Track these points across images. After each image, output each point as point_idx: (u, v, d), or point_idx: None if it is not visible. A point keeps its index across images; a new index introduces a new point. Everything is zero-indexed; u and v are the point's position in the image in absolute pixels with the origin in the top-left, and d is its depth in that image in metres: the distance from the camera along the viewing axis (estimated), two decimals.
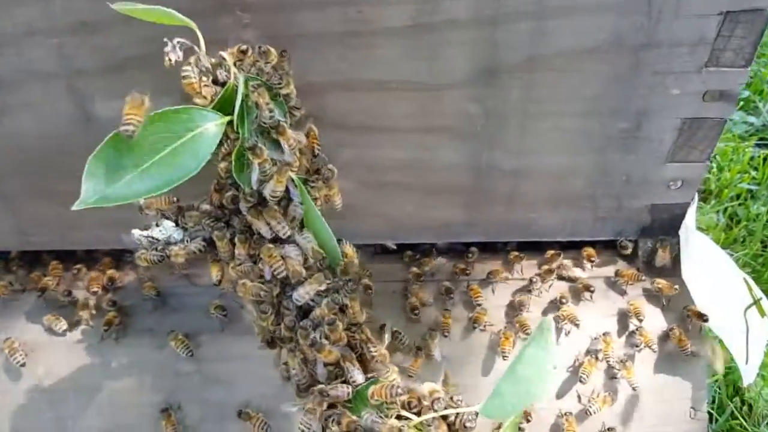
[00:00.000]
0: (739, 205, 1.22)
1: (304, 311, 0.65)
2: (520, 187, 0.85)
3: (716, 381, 0.95)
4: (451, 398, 0.58)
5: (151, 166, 0.54)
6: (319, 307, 0.63)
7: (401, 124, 0.79)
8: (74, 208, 0.53)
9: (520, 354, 0.54)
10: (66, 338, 0.84)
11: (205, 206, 0.66)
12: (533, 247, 0.95)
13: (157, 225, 0.67)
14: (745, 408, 0.94)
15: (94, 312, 0.84)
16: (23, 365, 0.81)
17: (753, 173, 1.29)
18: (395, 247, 0.93)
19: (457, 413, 0.57)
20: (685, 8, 0.69)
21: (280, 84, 0.60)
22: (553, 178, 0.84)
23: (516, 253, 0.92)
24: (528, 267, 0.93)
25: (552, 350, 0.53)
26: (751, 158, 1.32)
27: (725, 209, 1.21)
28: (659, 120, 0.79)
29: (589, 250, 0.91)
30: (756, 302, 0.80)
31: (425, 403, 0.58)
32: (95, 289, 0.85)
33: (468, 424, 0.56)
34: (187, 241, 0.67)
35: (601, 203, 0.87)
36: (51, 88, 0.73)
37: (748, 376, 0.82)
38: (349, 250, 0.67)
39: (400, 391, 0.57)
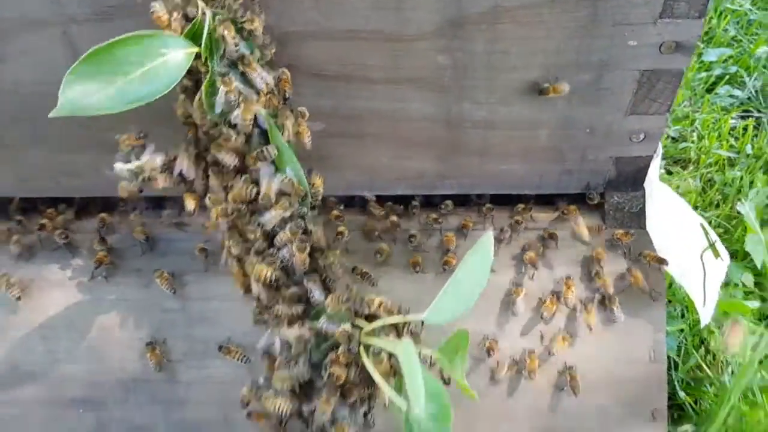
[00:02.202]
0: (717, 171, 1.26)
1: (270, 237, 0.70)
2: (490, 138, 0.90)
3: (682, 331, 0.99)
4: (399, 308, 0.63)
5: (123, 84, 0.59)
6: (283, 232, 0.68)
7: (375, 75, 0.83)
8: (51, 115, 0.58)
9: (462, 262, 0.59)
10: (59, 276, 0.90)
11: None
12: (507, 203, 0.99)
13: (138, 158, 0.72)
14: (709, 357, 0.98)
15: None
16: (19, 298, 0.87)
17: (732, 141, 1.33)
18: (375, 198, 0.98)
19: (405, 321, 0.62)
20: None
21: (244, 20, 0.64)
22: (521, 129, 0.89)
23: (489, 206, 0.96)
24: (503, 219, 0.97)
25: (489, 259, 0.57)
26: (733, 128, 1.36)
27: (702, 175, 1.24)
28: (619, 72, 0.83)
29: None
30: (711, 245, 0.83)
31: (376, 311, 0.63)
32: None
33: (414, 330, 0.61)
34: (164, 175, 0.72)
35: (567, 155, 0.91)
36: (46, 35, 0.78)
37: (705, 317, 0.86)
38: (318, 180, 0.72)
39: (349, 296, 0.62)
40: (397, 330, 0.62)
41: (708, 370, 0.95)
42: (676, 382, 0.94)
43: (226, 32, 0.62)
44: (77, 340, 0.88)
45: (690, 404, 0.93)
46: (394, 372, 0.61)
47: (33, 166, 0.91)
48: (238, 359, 0.86)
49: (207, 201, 0.72)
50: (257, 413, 0.70)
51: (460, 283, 0.57)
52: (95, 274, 0.89)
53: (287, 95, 0.74)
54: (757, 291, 1.06)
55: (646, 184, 0.93)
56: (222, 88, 0.64)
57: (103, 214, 0.94)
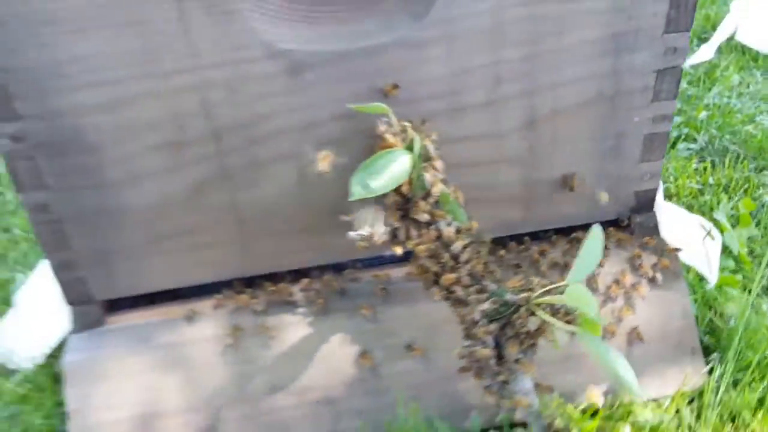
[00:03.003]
0: (692, 198, 1.79)
1: (456, 258, 1.16)
2: (556, 190, 1.39)
3: (696, 301, 1.47)
4: (550, 282, 1.10)
5: (379, 177, 1.07)
6: (464, 253, 1.15)
7: (480, 159, 1.32)
8: (350, 199, 1.05)
9: (583, 245, 1.05)
10: (290, 320, 1.33)
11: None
12: (565, 232, 1.47)
13: (362, 228, 1.18)
14: (717, 316, 1.45)
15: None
16: (272, 338, 1.30)
17: (698, 178, 1.87)
18: None
19: (557, 286, 1.08)
20: (638, 69, 1.25)
21: (432, 137, 1.14)
22: (577, 181, 1.38)
23: (556, 236, 1.44)
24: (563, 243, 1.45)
25: (601, 239, 1.04)
26: (695, 170, 1.90)
27: (684, 202, 1.77)
28: (631, 138, 1.33)
29: None
30: (708, 233, 1.33)
31: (534, 286, 1.09)
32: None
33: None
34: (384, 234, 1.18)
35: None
36: (287, 164, 1.25)
37: (712, 280, 1.34)
38: (475, 224, 1.19)
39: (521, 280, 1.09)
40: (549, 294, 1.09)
41: (718, 322, 1.43)
42: (698, 332, 1.41)
43: (428, 144, 1.12)
44: (312, 359, 1.30)
45: (712, 344, 1.40)
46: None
47: (263, 253, 1.36)
48: (420, 356, 1.30)
49: (409, 245, 1.19)
50: (464, 367, 1.14)
51: (584, 256, 1.04)
52: (315, 314, 1.33)
53: (443, 177, 1.23)
54: (739, 270, 1.56)
55: (655, 206, 1.43)
56: (427, 174, 1.12)
57: (306, 279, 1.39)
